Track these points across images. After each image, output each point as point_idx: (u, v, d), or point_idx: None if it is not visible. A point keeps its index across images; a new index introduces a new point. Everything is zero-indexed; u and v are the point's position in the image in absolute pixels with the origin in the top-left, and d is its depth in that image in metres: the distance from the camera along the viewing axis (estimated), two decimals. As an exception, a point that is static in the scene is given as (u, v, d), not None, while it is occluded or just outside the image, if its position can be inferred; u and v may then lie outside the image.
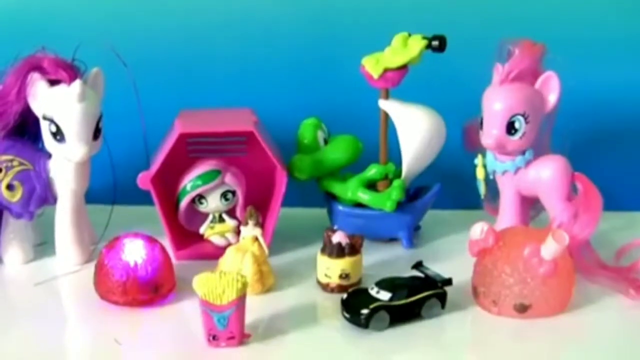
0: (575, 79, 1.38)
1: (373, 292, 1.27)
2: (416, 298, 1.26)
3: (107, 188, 1.48)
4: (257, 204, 1.47)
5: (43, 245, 1.47)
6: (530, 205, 1.46)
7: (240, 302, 1.19)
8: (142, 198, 1.44)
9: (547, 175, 1.40)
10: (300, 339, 1.24)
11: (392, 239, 1.50)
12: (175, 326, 1.28)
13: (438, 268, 1.34)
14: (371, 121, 1.49)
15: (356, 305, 1.25)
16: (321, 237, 1.50)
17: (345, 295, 1.28)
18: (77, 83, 1.33)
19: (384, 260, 1.44)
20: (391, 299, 1.25)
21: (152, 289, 1.30)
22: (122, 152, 1.47)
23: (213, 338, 1.20)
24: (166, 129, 1.47)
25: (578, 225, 1.33)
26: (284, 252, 1.46)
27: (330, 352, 1.22)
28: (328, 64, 1.63)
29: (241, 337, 1.21)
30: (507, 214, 1.44)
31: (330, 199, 1.51)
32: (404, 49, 1.40)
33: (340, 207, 1.49)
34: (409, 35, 1.41)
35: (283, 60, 1.64)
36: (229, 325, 1.19)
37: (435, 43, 1.39)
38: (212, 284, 1.19)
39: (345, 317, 1.26)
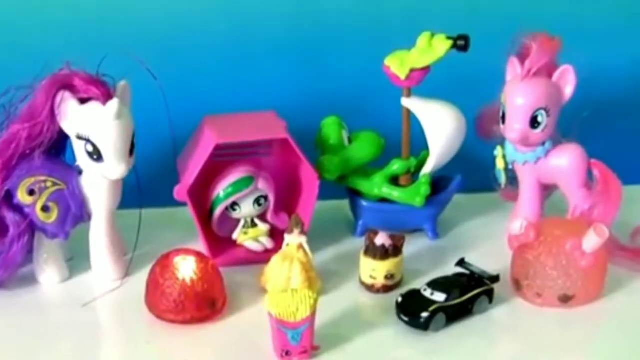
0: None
1: (427, 293, 1.32)
2: (469, 296, 1.32)
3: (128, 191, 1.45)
4: (284, 206, 1.50)
5: (71, 261, 1.46)
6: (546, 191, 1.53)
7: (312, 317, 1.23)
8: (164, 198, 1.44)
9: (565, 163, 1.46)
10: (362, 343, 1.28)
11: (415, 230, 1.55)
12: (236, 340, 1.30)
13: (467, 258, 1.40)
14: (382, 114, 1.53)
15: (413, 308, 1.30)
16: (345, 231, 1.56)
17: (399, 299, 1.32)
18: (115, 102, 1.31)
19: (412, 252, 1.48)
20: (447, 300, 1.30)
21: (210, 305, 1.32)
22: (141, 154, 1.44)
23: (286, 354, 1.23)
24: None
25: (599, 213, 1.41)
26: (315, 252, 1.47)
27: (393, 354, 1.28)
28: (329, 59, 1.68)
29: (312, 350, 1.24)
30: (528, 201, 1.50)
31: (353, 194, 1.54)
32: (430, 49, 1.44)
33: (365, 203, 1.52)
34: (432, 35, 1.44)
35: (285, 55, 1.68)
36: (302, 341, 1.23)
37: (461, 43, 1.43)
38: (285, 303, 1.22)
39: (403, 320, 1.31)
